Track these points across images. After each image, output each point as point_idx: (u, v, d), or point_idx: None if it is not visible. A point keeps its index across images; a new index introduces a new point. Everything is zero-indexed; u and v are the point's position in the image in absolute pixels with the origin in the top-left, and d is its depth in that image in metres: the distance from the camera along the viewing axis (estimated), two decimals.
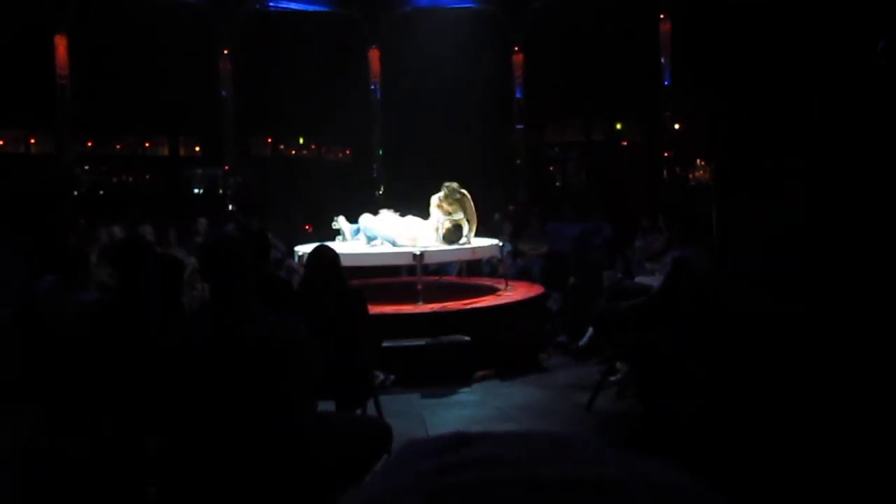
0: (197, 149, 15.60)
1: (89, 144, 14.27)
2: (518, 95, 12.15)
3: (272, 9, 11.39)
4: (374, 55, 11.86)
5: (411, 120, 11.53)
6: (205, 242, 6.21)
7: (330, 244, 5.19)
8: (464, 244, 6.99)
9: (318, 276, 4.37)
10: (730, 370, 3.74)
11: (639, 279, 6.32)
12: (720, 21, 3.73)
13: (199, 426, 2.46)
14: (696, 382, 4.24)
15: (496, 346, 6.26)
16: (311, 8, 11.53)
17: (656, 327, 4.76)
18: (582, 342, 6.57)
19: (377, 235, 6.97)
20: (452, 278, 8.25)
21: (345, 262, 4.66)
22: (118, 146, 15.13)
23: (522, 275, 8.18)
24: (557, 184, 16.02)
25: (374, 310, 5.58)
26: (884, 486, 2.94)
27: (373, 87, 11.95)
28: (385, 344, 5.60)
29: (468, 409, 5.46)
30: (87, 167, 14.18)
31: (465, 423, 5.10)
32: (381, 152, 12.03)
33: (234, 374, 2.46)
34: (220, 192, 12.57)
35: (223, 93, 11.40)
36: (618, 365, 5.55)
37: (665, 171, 12.12)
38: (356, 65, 11.88)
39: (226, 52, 11.28)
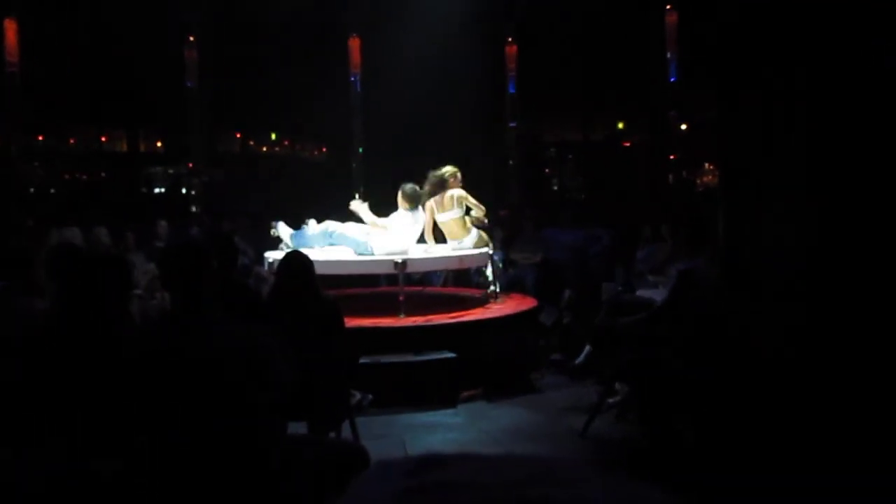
0: (159, 144, 15.57)
1: (39, 138, 14.19)
2: (511, 91, 12.21)
3: None
4: (353, 44, 11.88)
5: (394, 115, 11.55)
6: (166, 247, 6.16)
7: (304, 250, 5.19)
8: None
9: (288, 285, 4.36)
10: (738, 391, 3.76)
11: (640, 292, 6.34)
12: (730, 11, 3.77)
13: (153, 447, 2.45)
14: (702, 404, 4.27)
15: (484, 364, 6.26)
16: None
17: (660, 345, 4.79)
18: (578, 360, 6.58)
19: (345, 242, 6.85)
20: (437, 289, 8.26)
21: (319, 271, 4.65)
22: (71, 140, 15.06)
23: (514, 285, 8.20)
24: (553, 187, 16.10)
25: (351, 322, 5.58)
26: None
27: (352, 78, 11.95)
28: (362, 360, 5.59)
29: (453, 432, 5.46)
30: (36, 163, 14.10)
31: (449, 447, 5.09)
32: (361, 150, 12.04)
33: (193, 391, 2.45)
34: (184, 191, 12.55)
35: (188, 83, 11.37)
36: (617, 386, 5.57)
37: (670, 175, 12.21)
38: (334, 54, 11.89)
39: (191, 38, 11.27)
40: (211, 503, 2.47)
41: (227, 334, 2.57)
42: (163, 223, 8.78)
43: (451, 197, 6.99)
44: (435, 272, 8.25)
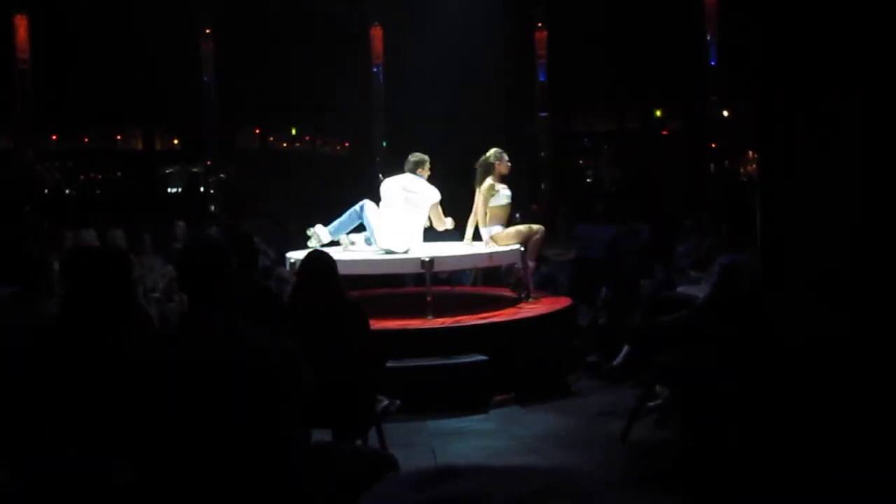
0: (175, 142, 15.71)
1: (53, 138, 14.41)
2: (541, 79, 12.16)
3: None
4: (376, 34, 11.91)
5: (419, 107, 11.56)
6: (184, 247, 6.21)
7: (327, 249, 5.22)
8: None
9: (310, 287, 4.39)
10: (784, 394, 3.72)
11: (681, 289, 6.29)
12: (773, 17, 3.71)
13: (170, 453, 2.48)
14: (745, 407, 4.22)
15: (516, 367, 6.25)
16: None
17: (702, 345, 4.75)
18: (616, 362, 6.55)
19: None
20: (466, 288, 8.26)
21: (342, 271, 4.67)
22: (86, 139, 15.27)
23: (547, 284, 8.17)
24: (587, 179, 16.03)
25: (377, 325, 5.60)
26: None
27: (375, 70, 12.00)
28: (389, 364, 5.61)
29: (484, 439, 5.46)
30: (49, 164, 14.32)
31: (481, 455, 5.10)
32: (385, 144, 12.07)
33: (214, 398, 2.48)
34: (202, 191, 12.67)
35: (205, 78, 11.48)
36: (657, 389, 5.54)
37: (711, 165, 12.10)
38: (356, 45, 11.93)
39: (207, 31, 11.37)
40: None
41: (246, 338, 2.59)
42: (181, 224, 8.87)
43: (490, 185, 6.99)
44: (464, 271, 8.25)
